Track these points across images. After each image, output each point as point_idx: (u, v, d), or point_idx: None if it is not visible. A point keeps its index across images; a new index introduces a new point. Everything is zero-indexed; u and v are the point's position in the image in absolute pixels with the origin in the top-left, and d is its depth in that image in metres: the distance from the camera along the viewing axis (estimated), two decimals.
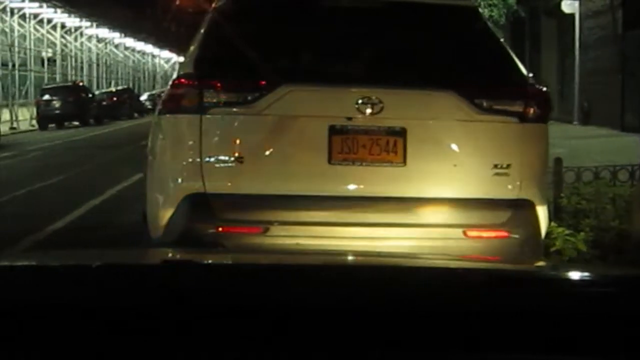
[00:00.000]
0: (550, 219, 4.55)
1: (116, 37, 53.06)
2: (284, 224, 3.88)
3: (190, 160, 3.97)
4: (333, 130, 3.93)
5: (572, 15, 22.66)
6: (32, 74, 39.92)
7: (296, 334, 1.23)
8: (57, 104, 32.80)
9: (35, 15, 40.25)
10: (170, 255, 2.08)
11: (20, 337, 1.22)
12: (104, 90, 44.10)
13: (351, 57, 4.24)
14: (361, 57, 4.24)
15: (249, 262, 1.86)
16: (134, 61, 61.29)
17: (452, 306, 1.28)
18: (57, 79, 42.06)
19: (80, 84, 39.32)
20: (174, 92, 4.08)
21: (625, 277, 1.61)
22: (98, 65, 52.15)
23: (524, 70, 4.19)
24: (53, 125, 32.68)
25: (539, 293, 1.35)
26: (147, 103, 47.01)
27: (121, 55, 57.31)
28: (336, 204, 3.92)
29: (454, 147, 4.01)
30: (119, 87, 46.43)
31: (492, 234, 3.99)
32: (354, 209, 3.93)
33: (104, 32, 50.38)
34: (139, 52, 60.98)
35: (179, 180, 4.01)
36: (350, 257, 2.10)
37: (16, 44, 38.41)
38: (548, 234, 4.56)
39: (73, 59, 47.32)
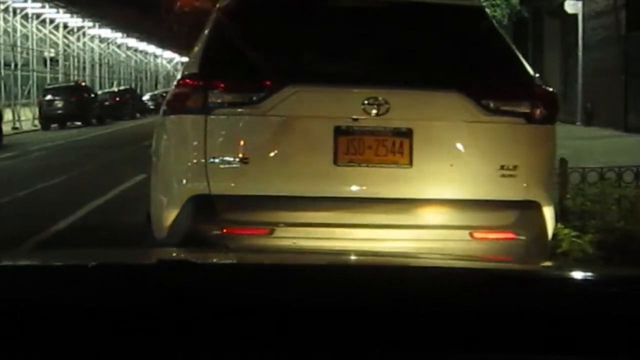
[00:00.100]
0: (556, 220, 4.52)
1: (118, 37, 53.08)
2: (290, 225, 3.85)
3: (194, 161, 3.94)
4: (339, 131, 3.91)
5: (575, 16, 22.63)
6: (35, 74, 39.93)
7: (296, 334, 1.22)
8: (59, 104, 32.81)
9: (38, 15, 40.26)
10: (170, 255, 2.07)
11: (20, 337, 1.21)
12: (106, 91, 44.13)
13: (357, 58, 4.21)
14: (367, 57, 4.21)
15: (249, 262, 1.86)
16: (136, 61, 61.30)
17: (452, 306, 1.27)
18: (60, 79, 42.07)
19: (83, 84, 39.31)
20: (179, 93, 4.05)
21: (626, 277, 1.60)
22: (100, 65, 52.16)
23: (530, 71, 4.16)
24: (55, 125, 32.68)
25: (539, 293, 1.34)
26: (150, 103, 47.06)
27: (123, 55, 57.32)
28: (342, 206, 3.90)
29: (461, 148, 3.99)
30: (122, 87, 46.46)
31: (499, 235, 3.97)
32: (359, 211, 3.91)
33: (106, 32, 50.39)
34: (141, 52, 60.98)
35: (184, 181, 3.98)
36: (350, 257, 2.10)
37: (19, 44, 38.42)
38: (554, 235, 4.54)
39: (75, 59, 47.33)
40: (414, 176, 3.94)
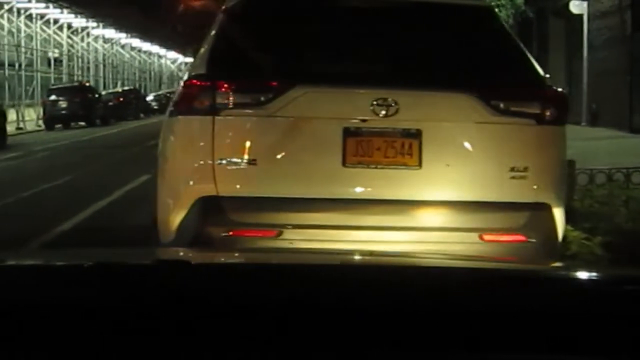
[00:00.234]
0: (566, 223, 4.47)
1: (122, 37, 53.11)
2: (298, 227, 3.82)
3: (202, 162, 3.91)
4: (347, 133, 3.87)
5: (580, 16, 22.57)
6: (39, 74, 39.97)
7: (296, 334, 1.22)
8: (63, 104, 32.81)
9: (42, 16, 40.30)
10: (170, 255, 2.07)
11: (20, 337, 1.21)
12: (110, 91, 44.14)
13: (366, 58, 4.18)
14: (376, 58, 4.18)
15: (250, 261, 1.85)
16: (140, 62, 61.34)
17: (452, 306, 1.27)
18: (64, 80, 42.10)
19: (87, 84, 39.36)
20: (186, 93, 4.02)
21: (628, 277, 1.59)
22: (104, 65, 52.21)
23: (541, 71, 4.12)
24: (59, 125, 32.69)
25: (539, 292, 1.33)
26: (154, 103, 47.10)
27: (127, 55, 57.37)
28: (350, 207, 3.86)
29: (470, 149, 3.95)
30: (125, 88, 46.46)
31: (509, 237, 3.93)
32: (368, 212, 3.87)
33: (110, 33, 50.44)
34: (145, 52, 61.03)
35: (191, 182, 3.95)
36: (350, 257, 2.09)
37: (23, 44, 38.45)
38: (563, 237, 4.50)
39: (79, 60, 47.39)
40: (423, 178, 3.90)
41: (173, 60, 69.42)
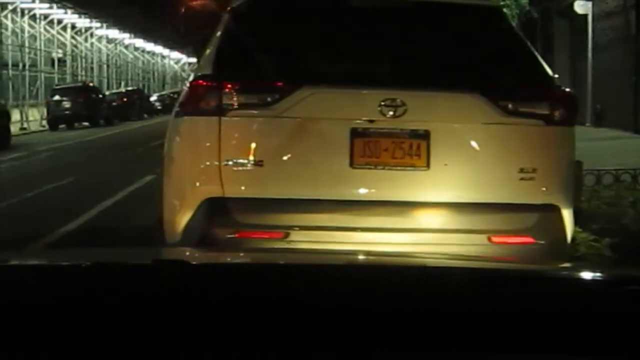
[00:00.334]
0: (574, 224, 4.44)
1: (126, 37, 53.15)
2: (305, 229, 3.79)
3: (208, 163, 3.88)
4: (355, 133, 3.84)
5: (584, 16, 22.53)
6: (43, 74, 40.02)
7: (296, 333, 1.21)
8: (67, 104, 32.82)
9: (46, 16, 40.35)
10: (170, 254, 2.06)
11: (20, 337, 1.20)
12: (114, 91, 44.18)
13: (373, 59, 4.15)
14: (384, 58, 4.14)
15: (250, 261, 1.85)
16: (143, 62, 61.40)
17: (452, 306, 1.26)
18: (68, 80, 42.14)
19: (91, 84, 39.37)
20: (192, 94, 3.99)
21: (628, 277, 1.58)
22: (108, 66, 52.27)
23: (549, 72, 4.09)
24: (63, 125, 32.70)
25: (540, 292, 1.33)
26: (157, 104, 47.13)
27: (131, 56, 57.41)
28: (357, 209, 3.83)
29: (479, 150, 3.92)
30: (129, 88, 46.49)
31: (518, 239, 3.89)
32: (375, 214, 3.84)
33: (114, 33, 50.48)
34: (148, 52, 61.07)
35: (197, 184, 3.92)
36: (350, 257, 2.08)
37: (26, 44, 38.51)
38: (572, 239, 4.46)
39: (83, 60, 47.44)
40: (431, 179, 3.87)
41: (177, 60, 69.47)
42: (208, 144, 3.89)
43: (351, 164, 3.84)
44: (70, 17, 42.66)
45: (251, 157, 3.85)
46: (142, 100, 44.20)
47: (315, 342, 1.20)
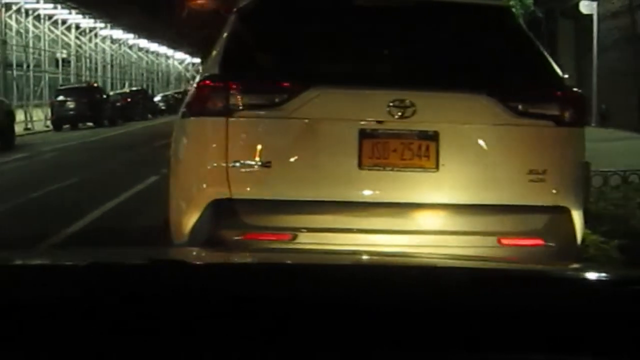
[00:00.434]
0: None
1: (130, 38, 53.18)
2: (313, 230, 3.76)
3: (215, 164, 3.85)
4: (363, 134, 3.81)
5: (590, 16, 22.48)
6: (47, 74, 40.05)
7: (297, 333, 1.21)
8: (71, 105, 32.84)
9: (50, 17, 40.39)
10: (170, 255, 2.05)
11: (20, 337, 1.20)
12: (118, 91, 44.19)
13: (382, 59, 4.12)
14: (392, 58, 4.11)
15: (251, 261, 1.84)
16: (147, 62, 61.44)
17: (452, 306, 1.26)
18: (72, 80, 42.16)
19: (95, 85, 39.39)
20: (199, 94, 3.96)
21: (629, 277, 1.57)
22: (112, 66, 52.30)
23: (559, 72, 4.05)
24: (67, 126, 32.72)
25: (540, 292, 1.32)
26: (161, 104, 47.17)
27: (135, 56, 57.45)
28: (366, 211, 3.80)
29: (489, 152, 3.88)
30: (133, 88, 46.51)
31: (527, 242, 3.86)
32: (384, 216, 3.81)
33: (118, 33, 50.51)
34: (152, 53, 61.11)
35: (204, 185, 3.89)
36: (351, 257, 2.07)
37: (31, 44, 38.53)
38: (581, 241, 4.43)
39: (87, 60, 47.48)
40: (441, 181, 3.84)
41: (180, 60, 69.50)
42: (215, 145, 3.86)
43: (359, 165, 3.81)
44: (74, 17, 42.69)
45: (259, 158, 3.81)
46: (146, 101, 44.19)
47: (316, 342, 1.20)
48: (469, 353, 1.20)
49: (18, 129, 25.96)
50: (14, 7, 36.27)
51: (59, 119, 32.86)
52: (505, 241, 3.82)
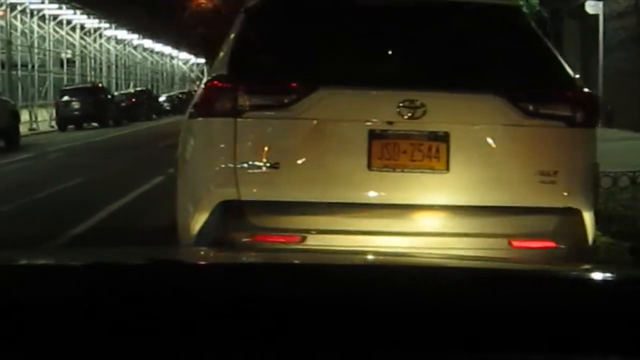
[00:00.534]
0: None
1: (135, 38, 53.21)
2: (322, 232, 3.72)
3: (223, 165, 3.82)
4: (373, 135, 3.77)
5: (595, 16, 22.41)
6: (52, 75, 40.09)
7: (297, 333, 1.20)
8: (76, 105, 32.85)
9: (55, 17, 40.43)
10: (171, 254, 2.04)
11: (20, 337, 1.19)
12: (122, 92, 44.22)
13: (391, 59, 4.08)
14: (402, 58, 4.08)
15: (252, 261, 1.83)
16: (152, 62, 61.47)
17: (452, 306, 1.25)
18: (76, 80, 42.21)
19: (99, 85, 39.41)
20: (207, 95, 3.93)
21: (629, 277, 1.56)
22: (117, 66, 52.34)
23: (571, 72, 4.01)
24: (72, 126, 32.73)
25: (540, 292, 1.31)
26: (166, 104, 47.19)
27: (139, 56, 57.48)
28: (375, 212, 3.76)
29: (499, 153, 3.84)
30: (138, 89, 46.53)
31: (538, 244, 3.82)
32: (393, 218, 3.77)
33: (122, 34, 50.54)
34: (157, 53, 61.14)
35: (212, 186, 3.86)
36: (351, 256, 2.05)
37: (35, 45, 38.56)
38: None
39: (92, 60, 47.51)
40: (451, 182, 3.80)
41: (185, 61, 69.54)
42: (223, 146, 3.83)
43: (369, 167, 3.77)
44: (79, 17, 42.73)
45: (267, 160, 3.78)
46: (151, 101, 44.22)
47: (316, 342, 1.19)
48: (469, 353, 1.19)
49: (23, 129, 25.99)
50: (19, 8, 36.32)
51: (64, 119, 32.87)
52: (516, 243, 3.79)
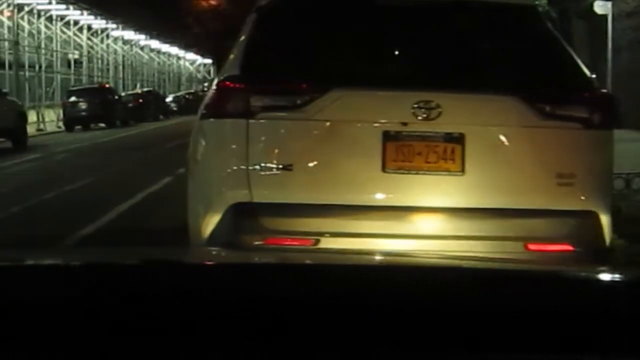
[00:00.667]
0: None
1: (142, 39, 53.27)
2: (335, 235, 3.67)
3: (235, 167, 3.77)
4: (387, 137, 3.72)
5: (604, 17, 22.31)
6: (59, 75, 40.15)
7: (298, 333, 1.20)
8: (83, 105, 32.86)
9: (62, 17, 40.50)
10: (171, 254, 2.02)
11: (20, 337, 1.20)
12: (129, 92, 44.21)
13: (406, 59, 4.03)
14: (417, 59, 4.03)
15: (252, 261, 1.82)
16: (159, 63, 61.52)
17: (452, 306, 1.25)
18: (84, 81, 42.28)
19: (107, 85, 39.46)
20: (219, 95, 3.88)
21: (629, 277, 1.54)
22: (124, 67, 52.41)
23: (588, 73, 3.95)
24: (79, 127, 32.76)
25: (540, 292, 1.31)
26: (173, 105, 47.16)
27: (146, 57, 57.54)
28: (390, 215, 3.71)
29: (516, 154, 3.79)
30: (145, 89, 46.52)
31: (555, 247, 3.76)
32: (408, 220, 3.72)
33: (129, 34, 50.60)
34: (164, 54, 61.19)
35: (224, 188, 3.81)
36: (351, 256, 2.04)
37: (43, 45, 38.63)
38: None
39: (99, 61, 47.60)
40: (466, 184, 3.75)
41: (192, 61, 69.58)
42: (235, 147, 3.78)
43: (383, 169, 3.72)
44: (86, 18, 42.79)
45: (280, 161, 3.73)
46: (158, 102, 44.18)
47: (316, 342, 1.19)
48: (469, 353, 1.19)
49: (30, 129, 26.00)
50: (26, 9, 36.38)
51: (71, 120, 32.88)
52: (532, 246, 3.73)
